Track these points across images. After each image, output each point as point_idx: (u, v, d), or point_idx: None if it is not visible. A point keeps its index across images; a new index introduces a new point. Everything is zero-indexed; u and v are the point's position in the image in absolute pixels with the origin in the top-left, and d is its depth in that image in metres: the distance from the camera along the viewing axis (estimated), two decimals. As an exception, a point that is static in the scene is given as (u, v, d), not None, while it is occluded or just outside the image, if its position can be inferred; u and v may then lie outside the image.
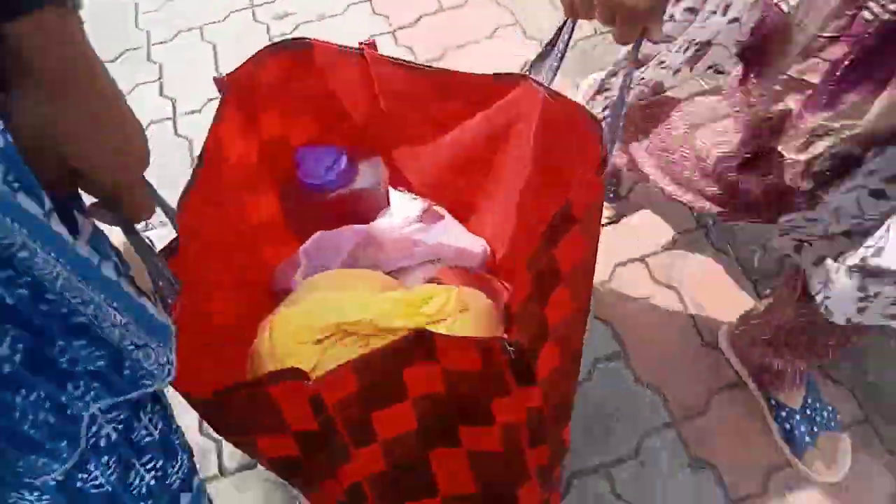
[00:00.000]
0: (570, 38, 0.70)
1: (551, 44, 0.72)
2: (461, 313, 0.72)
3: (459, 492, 0.70)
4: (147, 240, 0.58)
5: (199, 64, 1.70)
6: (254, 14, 1.78)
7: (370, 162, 0.97)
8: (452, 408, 0.61)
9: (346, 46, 0.85)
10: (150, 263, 0.58)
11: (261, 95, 0.85)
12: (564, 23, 0.69)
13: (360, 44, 0.85)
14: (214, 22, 1.78)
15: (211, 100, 1.62)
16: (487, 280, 0.91)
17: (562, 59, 0.72)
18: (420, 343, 0.56)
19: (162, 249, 0.63)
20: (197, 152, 1.56)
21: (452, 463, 0.67)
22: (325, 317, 0.71)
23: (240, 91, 0.81)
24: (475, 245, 0.97)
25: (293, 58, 0.85)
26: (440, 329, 0.71)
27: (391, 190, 0.99)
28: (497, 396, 0.59)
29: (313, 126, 0.94)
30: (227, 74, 0.80)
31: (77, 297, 0.48)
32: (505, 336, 0.53)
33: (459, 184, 0.95)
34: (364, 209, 0.98)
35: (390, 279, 0.86)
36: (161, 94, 1.66)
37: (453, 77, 0.81)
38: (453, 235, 0.97)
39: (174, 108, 1.63)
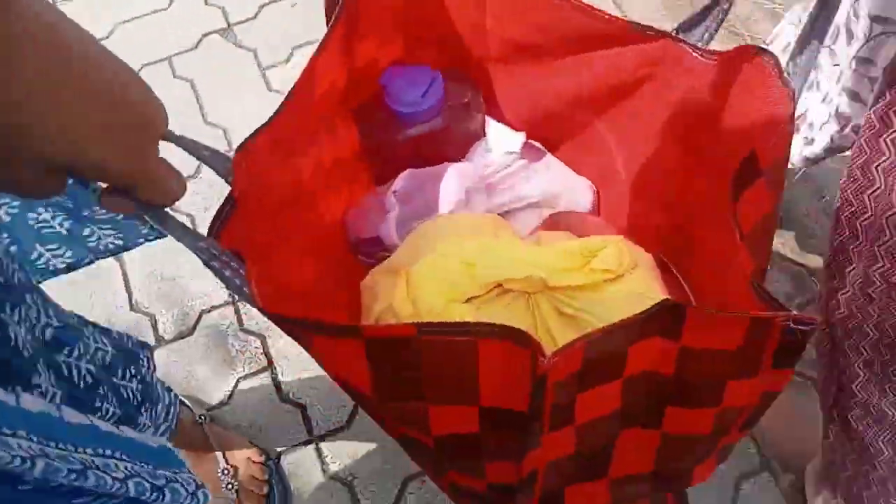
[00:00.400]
0: (729, 6, 0.60)
1: (704, 11, 0.61)
2: (633, 270, 0.62)
3: (631, 472, 0.62)
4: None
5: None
6: None
7: (465, 84, 0.83)
8: (671, 388, 0.52)
9: None
10: (201, 252, 0.46)
11: (366, 17, 0.70)
12: None
13: None
14: None
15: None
16: (605, 227, 0.81)
17: (717, 28, 0.62)
18: (666, 319, 0.46)
19: (214, 220, 0.50)
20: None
21: (639, 444, 0.58)
22: (483, 270, 0.60)
23: (348, 14, 0.67)
24: (583, 185, 0.85)
25: None
26: (618, 287, 0.62)
27: (487, 119, 0.86)
28: (740, 378, 0.49)
29: (402, 40, 0.80)
30: None
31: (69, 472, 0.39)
32: (792, 312, 0.44)
33: (561, 119, 0.83)
34: (459, 142, 0.85)
35: (514, 228, 0.75)
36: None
37: (581, 10, 0.67)
38: (559, 174, 0.85)
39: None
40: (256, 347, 1.10)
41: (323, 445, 1.04)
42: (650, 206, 0.78)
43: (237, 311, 1.14)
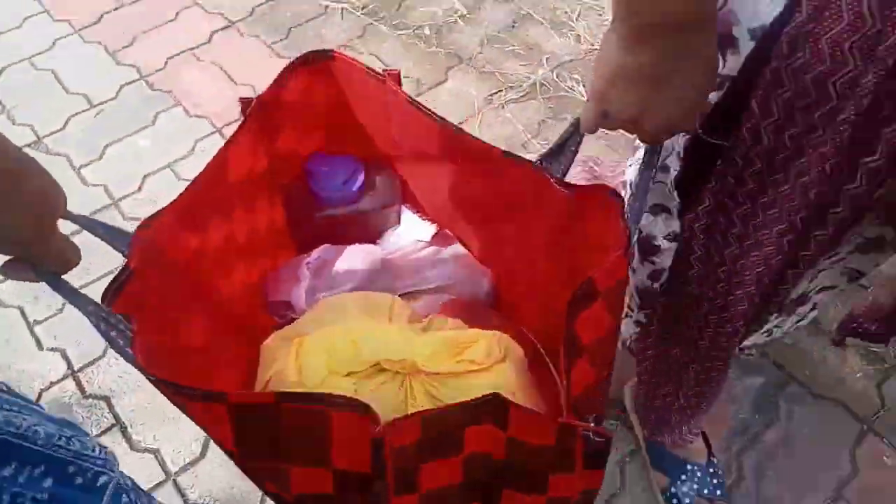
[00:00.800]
0: (579, 143, 0.69)
1: (563, 145, 0.71)
2: (501, 362, 0.71)
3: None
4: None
5: None
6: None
7: (383, 175, 0.93)
8: (505, 471, 0.60)
9: (368, 68, 0.80)
10: (91, 315, 0.52)
11: (281, 114, 0.81)
12: (575, 130, 0.68)
13: (385, 70, 0.79)
14: None
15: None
16: (497, 319, 0.88)
17: (571, 161, 0.71)
18: (494, 409, 0.54)
19: (109, 286, 0.56)
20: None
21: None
22: (365, 349, 0.68)
23: (262, 112, 0.78)
24: (483, 276, 0.94)
25: (313, 72, 0.81)
26: (483, 378, 0.70)
27: (403, 209, 0.95)
28: (559, 472, 0.58)
29: (325, 136, 0.90)
30: (257, 97, 0.76)
31: None
32: (591, 424, 0.53)
33: (467, 218, 0.92)
34: (374, 226, 0.94)
35: (416, 311, 0.83)
36: None
37: (462, 135, 0.75)
38: (463, 264, 0.94)
39: None
40: (102, 409, 1.14)
41: (180, 480, 1.09)
42: (531, 304, 0.86)
43: (77, 381, 1.18)
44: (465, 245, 0.95)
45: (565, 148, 0.69)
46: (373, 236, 0.93)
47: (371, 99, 0.83)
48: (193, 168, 1.43)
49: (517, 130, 1.62)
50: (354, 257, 0.87)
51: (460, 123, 1.64)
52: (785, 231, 0.67)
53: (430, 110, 0.75)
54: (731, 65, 0.62)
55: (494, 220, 0.85)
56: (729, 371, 0.90)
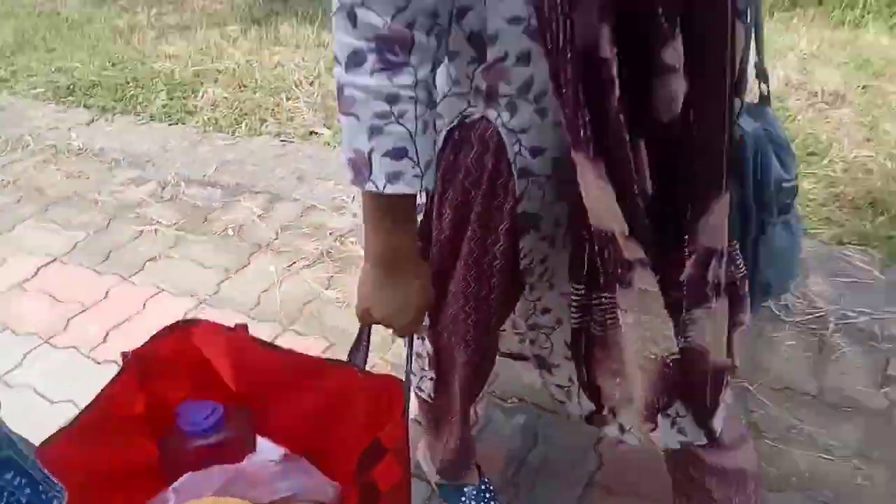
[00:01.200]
0: (369, 336, 0.96)
1: (357, 341, 0.98)
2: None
3: None
4: None
5: None
6: None
7: (240, 413, 1.15)
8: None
9: (227, 326, 1.09)
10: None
11: (155, 364, 1.06)
12: (361, 328, 0.95)
13: (235, 325, 1.09)
14: None
15: None
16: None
17: (367, 351, 0.98)
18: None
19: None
20: None
21: None
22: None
23: (138, 362, 1.04)
24: (328, 487, 1.13)
25: (182, 333, 1.09)
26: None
27: (257, 438, 1.16)
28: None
29: (192, 386, 1.14)
30: (133, 351, 1.03)
31: None
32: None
33: (314, 434, 1.13)
34: (233, 454, 1.13)
35: (255, 507, 1.01)
36: None
37: (295, 356, 1.05)
38: (309, 478, 1.13)
39: None
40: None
41: None
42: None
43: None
44: (309, 459, 1.15)
45: (361, 340, 0.96)
46: (232, 462, 1.12)
47: (227, 348, 1.10)
48: (24, 376, 1.62)
49: (313, 287, 2.08)
50: (211, 475, 1.06)
51: (264, 291, 2.05)
52: (467, 292, 0.96)
53: (268, 343, 1.03)
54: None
55: (325, 422, 1.08)
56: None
